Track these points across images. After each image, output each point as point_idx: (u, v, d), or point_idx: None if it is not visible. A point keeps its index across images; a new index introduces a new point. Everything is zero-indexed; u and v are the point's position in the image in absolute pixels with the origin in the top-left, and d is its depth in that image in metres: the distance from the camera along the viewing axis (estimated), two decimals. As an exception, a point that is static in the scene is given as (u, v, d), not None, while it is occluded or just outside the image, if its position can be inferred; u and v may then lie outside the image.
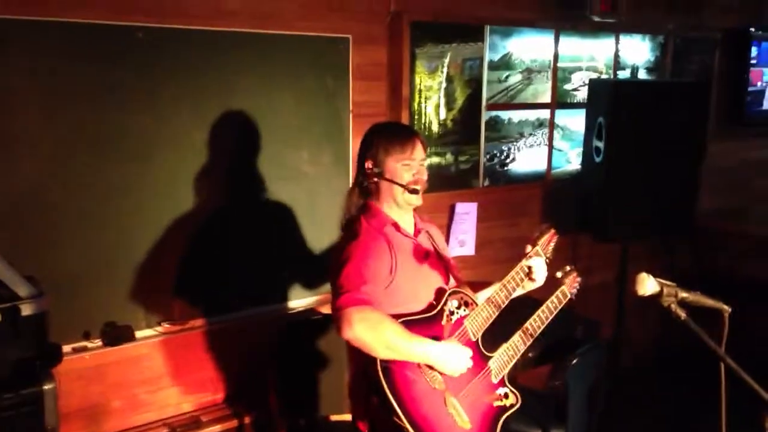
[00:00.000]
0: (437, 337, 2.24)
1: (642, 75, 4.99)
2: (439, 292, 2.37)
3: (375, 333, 2.08)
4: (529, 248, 2.49)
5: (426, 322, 2.25)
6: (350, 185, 2.50)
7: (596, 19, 4.41)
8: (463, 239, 4.18)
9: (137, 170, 3.07)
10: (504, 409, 2.39)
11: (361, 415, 2.34)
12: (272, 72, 3.36)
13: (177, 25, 3.08)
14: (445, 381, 2.23)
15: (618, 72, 4.86)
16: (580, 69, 4.63)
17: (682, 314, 1.79)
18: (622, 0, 4.39)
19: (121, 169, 3.04)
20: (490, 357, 2.41)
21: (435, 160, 3.99)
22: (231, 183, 3.34)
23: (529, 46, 4.33)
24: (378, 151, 2.37)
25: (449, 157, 4.08)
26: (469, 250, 4.21)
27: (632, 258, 4.46)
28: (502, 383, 2.42)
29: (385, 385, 2.09)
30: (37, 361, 2.30)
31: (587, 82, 4.49)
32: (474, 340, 2.34)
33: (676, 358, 4.78)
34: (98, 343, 3.07)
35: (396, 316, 2.17)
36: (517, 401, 2.42)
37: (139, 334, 3.17)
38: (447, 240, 4.15)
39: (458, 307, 2.34)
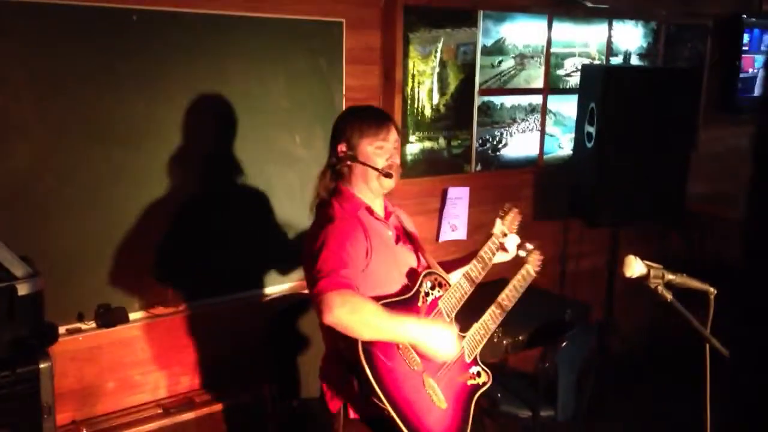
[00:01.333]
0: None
1: (634, 61, 5.01)
2: (413, 274, 2.38)
3: (357, 316, 2.07)
4: (498, 223, 2.55)
5: (403, 304, 2.25)
6: (322, 168, 2.47)
7: (589, 5, 4.43)
8: (455, 224, 4.21)
9: (129, 154, 3.08)
10: (477, 387, 2.42)
11: (333, 396, 2.34)
12: (265, 56, 3.37)
13: (171, 7, 3.07)
14: (423, 362, 2.24)
15: (611, 58, 4.87)
16: (572, 55, 4.65)
17: (669, 296, 1.82)
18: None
19: (114, 153, 3.04)
20: (463, 337, 2.43)
21: (427, 144, 4.01)
22: (224, 166, 3.35)
23: (523, 32, 4.34)
24: (352, 134, 2.35)
25: (442, 141, 4.09)
26: (461, 234, 4.24)
27: (624, 243, 4.50)
28: (474, 362, 2.45)
29: (367, 368, 2.09)
30: (34, 340, 2.32)
31: (580, 67, 4.51)
32: (448, 320, 2.36)
33: (666, 345, 4.84)
34: (92, 324, 3.09)
35: (374, 299, 2.16)
36: (488, 379, 2.45)
37: (132, 316, 3.18)
38: (439, 224, 4.18)
39: (432, 288, 2.35)
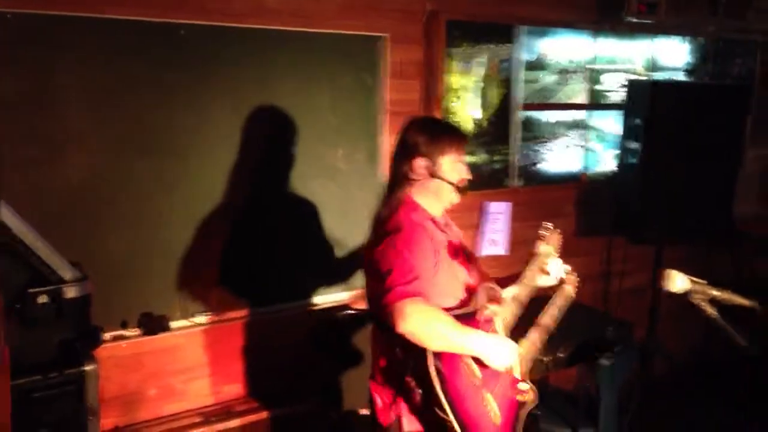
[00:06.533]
0: None
1: (681, 77, 4.94)
2: (470, 288, 2.39)
3: (430, 325, 2.09)
4: (543, 246, 2.53)
5: (465, 318, 2.26)
6: (389, 178, 2.47)
7: (634, 20, 4.38)
8: (495, 238, 4.18)
9: (178, 166, 3.15)
10: (524, 404, 2.40)
11: (386, 408, 2.35)
12: (310, 69, 3.41)
13: (219, 22, 3.14)
14: (483, 377, 2.25)
15: (656, 74, 4.81)
16: (616, 70, 4.61)
17: (712, 311, 1.78)
18: (662, 1, 4.35)
19: (163, 165, 3.11)
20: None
21: (469, 159, 4.00)
22: (268, 178, 3.39)
23: (565, 47, 4.33)
24: (434, 149, 2.35)
25: (483, 156, 4.09)
26: (501, 249, 4.21)
27: (669, 262, 4.41)
28: (523, 379, 2.43)
29: (436, 380, 2.11)
30: (80, 342, 2.37)
31: (624, 83, 4.47)
32: (503, 335, 2.35)
33: (712, 368, 4.73)
34: (136, 332, 3.15)
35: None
36: (536, 397, 2.43)
37: (174, 324, 3.24)
38: (479, 239, 4.16)
39: (489, 303, 2.35)
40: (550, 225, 2.58)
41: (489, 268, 3.74)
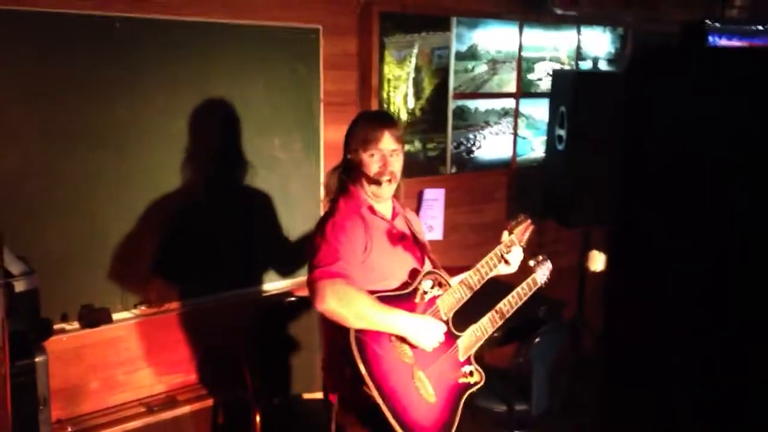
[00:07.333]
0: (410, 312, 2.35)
1: (603, 66, 5.14)
2: (414, 272, 2.48)
3: (347, 304, 2.19)
4: (505, 235, 2.60)
5: (400, 299, 2.35)
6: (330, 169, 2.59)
7: (558, 11, 4.55)
8: (431, 224, 4.31)
9: (113, 158, 3.14)
10: (468, 386, 2.50)
11: (332, 388, 2.44)
12: (245, 62, 3.45)
13: (155, 15, 3.15)
14: (414, 356, 2.33)
15: (580, 63, 5.01)
16: (543, 59, 4.78)
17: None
18: (584, -7, 4.54)
19: (98, 158, 3.11)
20: (459, 336, 2.51)
21: (406, 148, 4.09)
22: (205, 169, 3.42)
23: (495, 37, 4.46)
24: (352, 140, 2.48)
25: (417, 144, 4.20)
26: (437, 234, 4.34)
27: (597, 243, 4.61)
28: (468, 361, 2.52)
29: (357, 356, 2.19)
30: (31, 334, 2.38)
31: (550, 72, 4.63)
32: (445, 319, 2.44)
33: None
34: (76, 325, 3.14)
35: (371, 293, 2.28)
36: (481, 379, 2.52)
37: (115, 316, 3.24)
38: (416, 225, 4.26)
39: (432, 287, 2.44)
40: (521, 216, 2.66)
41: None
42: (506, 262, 2.58)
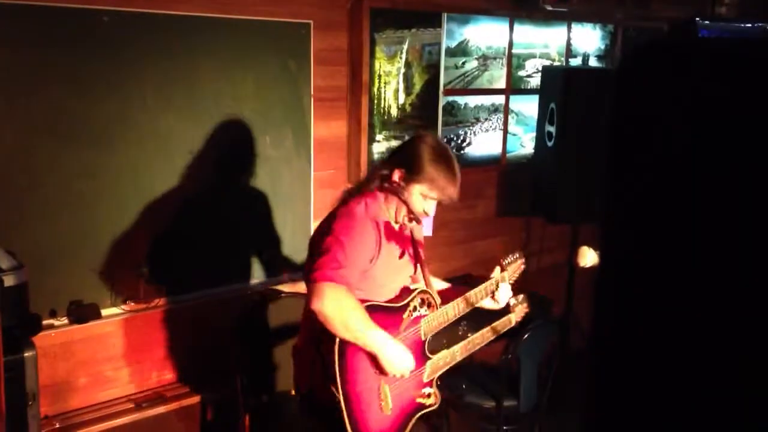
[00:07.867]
0: (395, 326, 2.39)
1: (593, 63, 5.16)
2: (407, 288, 2.52)
3: (341, 313, 2.20)
4: (497, 271, 2.65)
5: (389, 311, 2.40)
6: (372, 168, 2.59)
7: (549, 8, 4.56)
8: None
9: (101, 154, 3.12)
10: (422, 406, 2.54)
11: (302, 377, 2.50)
12: (235, 56, 3.43)
13: (143, 9, 3.12)
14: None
15: (570, 59, 5.02)
16: (533, 56, 4.79)
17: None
18: (574, -10, 4.55)
19: (86, 154, 3.08)
20: (430, 358, 2.55)
21: (394, 143, 4.10)
22: (194, 166, 3.40)
23: (485, 34, 4.46)
24: (420, 172, 2.37)
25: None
26: (426, 230, 4.31)
27: (585, 240, 4.62)
28: (430, 384, 2.56)
29: (336, 356, 2.24)
30: (19, 329, 2.37)
31: (540, 68, 4.64)
32: (423, 339, 2.50)
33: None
34: (64, 321, 3.13)
35: (365, 301, 2.30)
36: (436, 403, 2.56)
37: (104, 312, 3.23)
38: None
39: (421, 306, 2.49)
40: (516, 254, 2.72)
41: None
42: (493, 298, 2.67)
